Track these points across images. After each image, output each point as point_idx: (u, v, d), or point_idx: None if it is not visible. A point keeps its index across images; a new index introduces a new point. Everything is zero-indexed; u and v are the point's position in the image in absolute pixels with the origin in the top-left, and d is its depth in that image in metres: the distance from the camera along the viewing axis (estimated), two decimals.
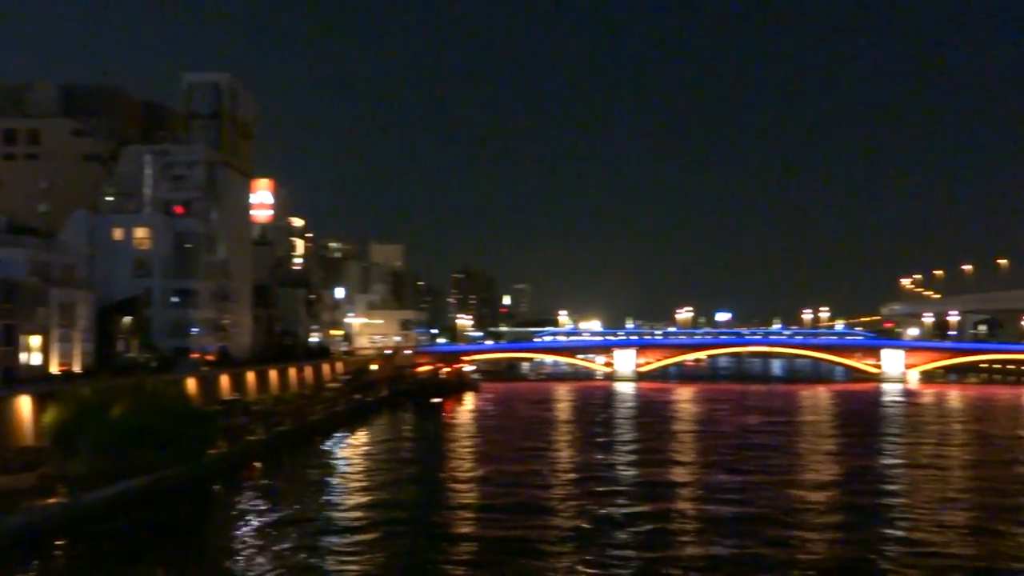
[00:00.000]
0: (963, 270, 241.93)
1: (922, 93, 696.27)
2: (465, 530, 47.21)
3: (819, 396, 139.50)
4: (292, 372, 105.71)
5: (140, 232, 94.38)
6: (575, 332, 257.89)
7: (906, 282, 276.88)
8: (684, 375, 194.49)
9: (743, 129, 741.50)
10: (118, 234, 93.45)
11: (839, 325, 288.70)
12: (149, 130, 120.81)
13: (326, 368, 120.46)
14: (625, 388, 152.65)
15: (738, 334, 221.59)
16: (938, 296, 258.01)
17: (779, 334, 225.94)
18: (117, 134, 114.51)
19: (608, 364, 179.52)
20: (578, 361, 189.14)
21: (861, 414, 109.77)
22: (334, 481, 62.02)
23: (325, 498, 55.84)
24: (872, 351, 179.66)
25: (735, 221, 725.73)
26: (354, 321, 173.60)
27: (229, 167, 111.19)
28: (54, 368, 74.15)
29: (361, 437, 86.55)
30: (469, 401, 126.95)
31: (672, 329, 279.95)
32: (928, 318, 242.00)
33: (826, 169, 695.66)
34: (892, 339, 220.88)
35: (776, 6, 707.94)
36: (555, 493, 56.14)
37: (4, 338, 68.88)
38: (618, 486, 58.96)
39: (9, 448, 53.60)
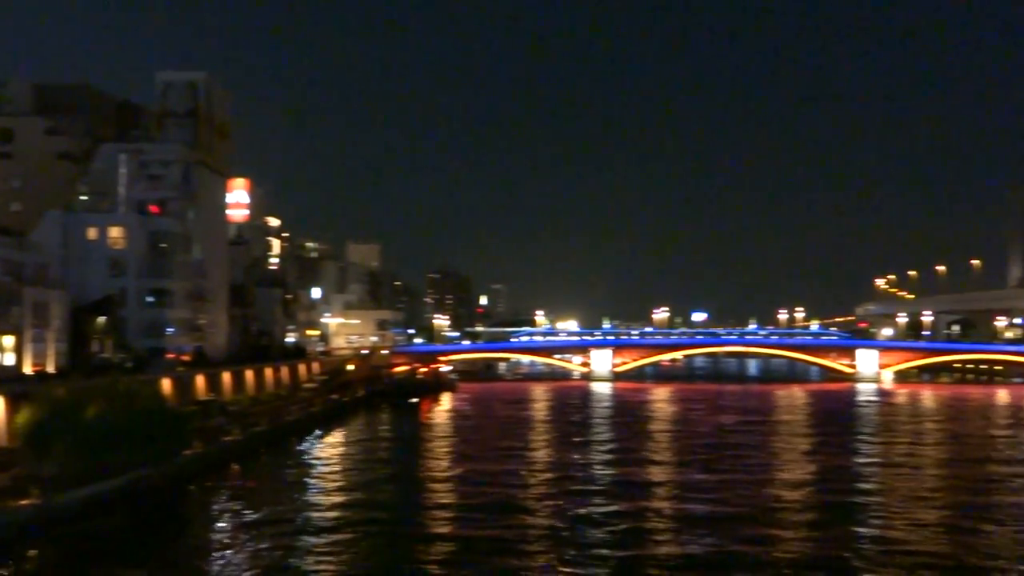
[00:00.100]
0: (937, 271, 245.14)
1: (896, 96, 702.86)
2: (442, 530, 47.27)
3: (794, 396, 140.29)
4: (268, 372, 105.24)
5: (115, 231, 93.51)
6: (552, 332, 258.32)
7: (880, 282, 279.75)
8: (660, 375, 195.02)
9: (718, 131, 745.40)
10: (92, 233, 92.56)
11: (814, 325, 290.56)
12: (124, 129, 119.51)
13: (302, 368, 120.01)
14: (602, 388, 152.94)
15: (714, 334, 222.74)
16: (912, 296, 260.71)
17: (755, 334, 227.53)
18: (91, 133, 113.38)
19: (585, 364, 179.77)
20: (555, 361, 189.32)
21: (836, 413, 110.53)
22: (311, 481, 61.88)
23: (302, 498, 55.75)
24: (847, 351, 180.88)
25: (711, 222, 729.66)
26: (331, 321, 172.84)
27: (205, 166, 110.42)
28: (28, 368, 73.45)
29: (338, 437, 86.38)
30: (446, 401, 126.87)
31: (649, 329, 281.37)
32: (902, 318, 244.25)
33: (802, 170, 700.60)
34: (866, 339, 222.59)
35: (734, 16, 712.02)
36: (531, 492, 56.30)
37: None
38: (594, 485, 59.20)
39: None
